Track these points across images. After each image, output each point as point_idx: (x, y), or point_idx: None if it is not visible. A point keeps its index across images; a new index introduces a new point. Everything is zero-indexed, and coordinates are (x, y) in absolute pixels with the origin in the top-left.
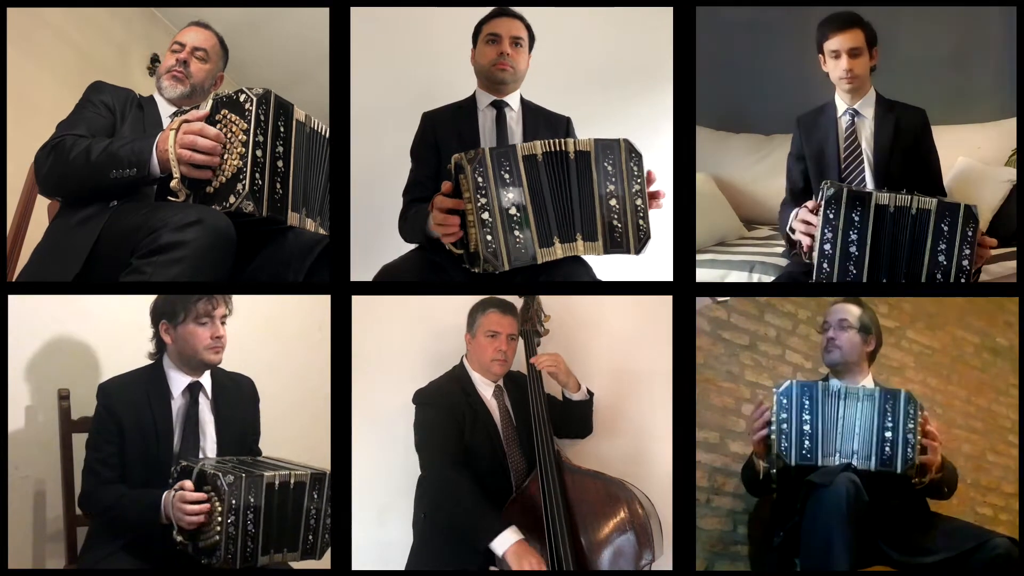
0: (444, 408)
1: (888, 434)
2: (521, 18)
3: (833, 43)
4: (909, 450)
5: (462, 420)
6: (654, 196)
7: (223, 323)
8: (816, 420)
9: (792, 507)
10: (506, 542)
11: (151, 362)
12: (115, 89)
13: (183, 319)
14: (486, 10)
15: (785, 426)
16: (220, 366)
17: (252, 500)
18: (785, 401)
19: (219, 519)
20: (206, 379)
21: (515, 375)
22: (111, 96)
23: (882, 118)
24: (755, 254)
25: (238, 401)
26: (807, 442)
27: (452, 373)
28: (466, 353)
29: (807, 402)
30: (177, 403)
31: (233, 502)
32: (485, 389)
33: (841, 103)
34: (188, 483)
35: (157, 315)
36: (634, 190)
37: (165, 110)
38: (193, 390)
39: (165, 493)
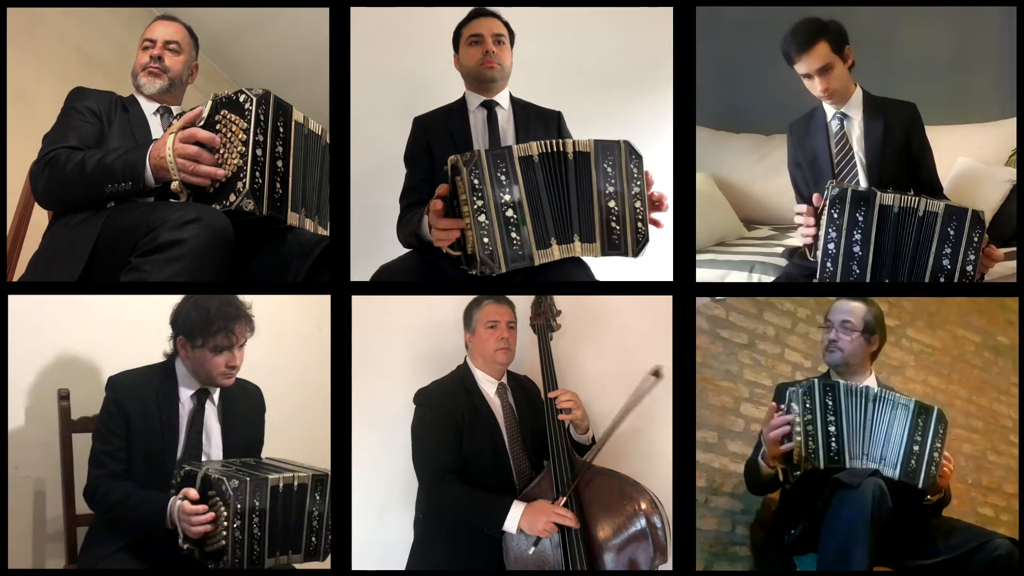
0: (443, 411)
1: (916, 448)
2: (499, 16)
3: (801, 67)
4: (933, 468)
5: (461, 421)
6: (659, 201)
7: (242, 347)
8: (840, 420)
9: (809, 506)
10: (516, 517)
11: (164, 360)
12: (98, 93)
13: (200, 344)
14: None
15: (811, 428)
16: None
17: (257, 504)
18: (808, 403)
19: (225, 524)
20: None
21: (520, 377)
22: (95, 101)
23: (870, 118)
24: (755, 254)
25: (246, 411)
26: (834, 444)
27: (456, 372)
28: (468, 353)
29: (830, 402)
30: (185, 406)
31: (238, 506)
32: (488, 387)
33: (829, 108)
34: (192, 491)
35: (176, 327)
36: (633, 192)
37: (148, 108)
38: (201, 396)
39: (171, 499)
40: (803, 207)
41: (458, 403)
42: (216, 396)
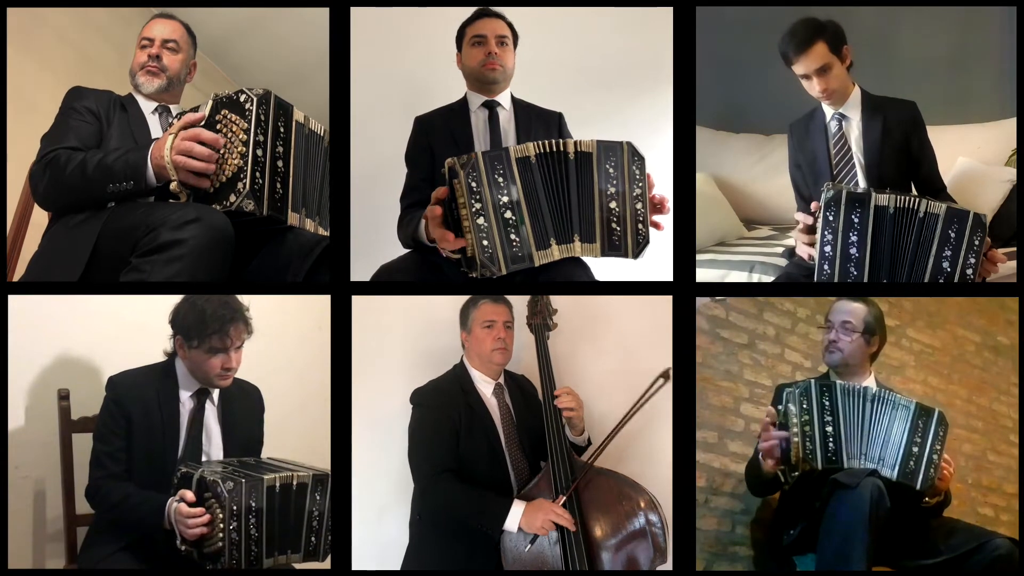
0: (439, 410)
1: (915, 449)
2: (503, 17)
3: (799, 68)
4: (932, 470)
5: (458, 421)
6: (660, 204)
7: (239, 349)
8: (837, 421)
9: (807, 506)
10: (516, 515)
11: (164, 359)
12: (96, 93)
13: (196, 345)
14: None
15: (808, 429)
16: None
17: (253, 504)
18: (804, 404)
19: (221, 526)
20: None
21: (517, 376)
22: (93, 101)
23: (869, 118)
24: (755, 254)
25: (245, 411)
26: (831, 444)
27: (452, 372)
28: (464, 353)
29: (827, 403)
30: (185, 406)
31: (234, 508)
32: (485, 387)
33: (828, 108)
34: (188, 493)
35: (175, 327)
36: (635, 194)
37: (147, 107)
38: (201, 396)
39: (169, 500)
40: (806, 222)
41: (454, 403)
42: (216, 396)
